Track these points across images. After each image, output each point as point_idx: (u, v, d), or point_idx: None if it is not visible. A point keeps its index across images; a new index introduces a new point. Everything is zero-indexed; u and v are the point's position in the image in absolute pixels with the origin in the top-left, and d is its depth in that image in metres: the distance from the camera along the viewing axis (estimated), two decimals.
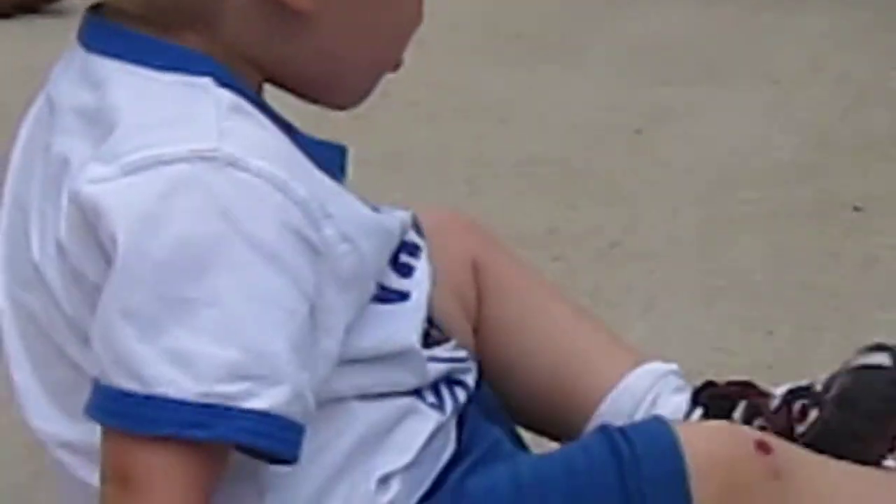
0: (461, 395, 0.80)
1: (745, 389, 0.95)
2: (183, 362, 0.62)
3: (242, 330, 0.64)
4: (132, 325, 0.64)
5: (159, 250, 0.62)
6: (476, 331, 0.96)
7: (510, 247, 1.34)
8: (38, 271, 0.72)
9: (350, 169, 0.76)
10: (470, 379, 0.80)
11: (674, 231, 1.55)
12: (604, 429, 0.80)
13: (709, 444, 0.81)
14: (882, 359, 1.03)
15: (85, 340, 0.69)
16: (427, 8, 0.77)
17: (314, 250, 0.66)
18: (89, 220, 0.64)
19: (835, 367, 1.21)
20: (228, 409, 0.62)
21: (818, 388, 0.96)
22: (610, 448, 0.78)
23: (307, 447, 0.70)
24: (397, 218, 0.77)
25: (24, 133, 0.76)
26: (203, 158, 0.62)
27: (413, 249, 0.78)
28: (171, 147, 0.62)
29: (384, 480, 0.75)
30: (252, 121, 0.67)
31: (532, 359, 0.96)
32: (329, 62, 0.74)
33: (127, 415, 0.63)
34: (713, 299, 1.38)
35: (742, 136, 1.81)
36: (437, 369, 0.78)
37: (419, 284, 0.77)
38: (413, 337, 0.77)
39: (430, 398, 0.78)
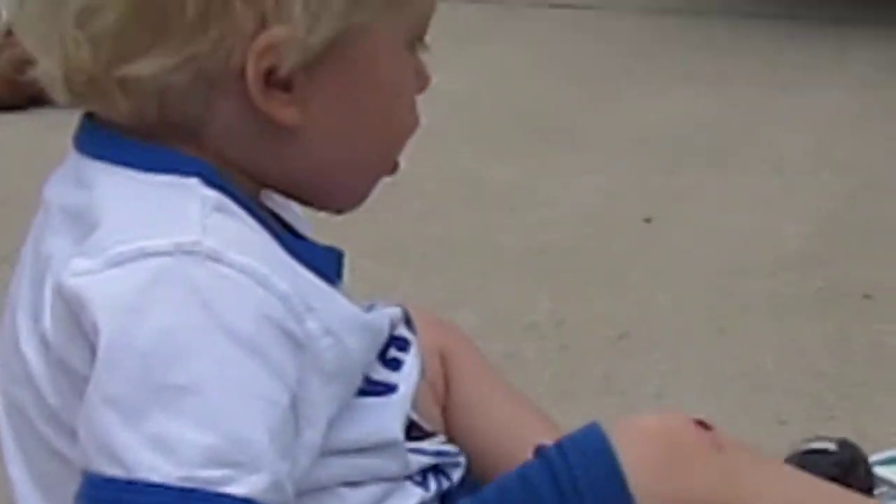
0: (445, 483, 0.80)
1: None
2: (164, 448, 0.63)
3: (223, 418, 0.64)
4: (115, 412, 0.65)
5: (142, 340, 0.63)
6: (444, 414, 0.96)
7: (516, 335, 1.35)
8: (25, 366, 0.72)
9: (357, 261, 0.81)
10: (456, 474, 0.80)
11: (683, 320, 1.53)
12: (540, 448, 0.79)
13: (642, 422, 0.83)
14: (828, 445, 1.12)
15: (71, 433, 0.69)
16: (435, 95, 0.76)
17: (296, 343, 0.66)
18: (73, 312, 0.65)
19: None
20: (208, 493, 0.63)
21: None
22: (547, 467, 0.77)
23: None
24: (387, 315, 0.77)
25: (30, 235, 0.76)
26: (185, 252, 0.62)
27: (403, 344, 0.78)
28: (154, 241, 0.63)
29: None
30: (236, 219, 0.67)
31: (484, 439, 0.95)
32: (321, 173, 0.76)
33: (111, 500, 0.63)
34: (723, 389, 1.36)
35: (750, 223, 1.79)
36: (419, 461, 0.77)
37: (407, 378, 0.78)
38: (397, 429, 0.76)
39: (416, 477, 0.77)
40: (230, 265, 0.64)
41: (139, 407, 0.65)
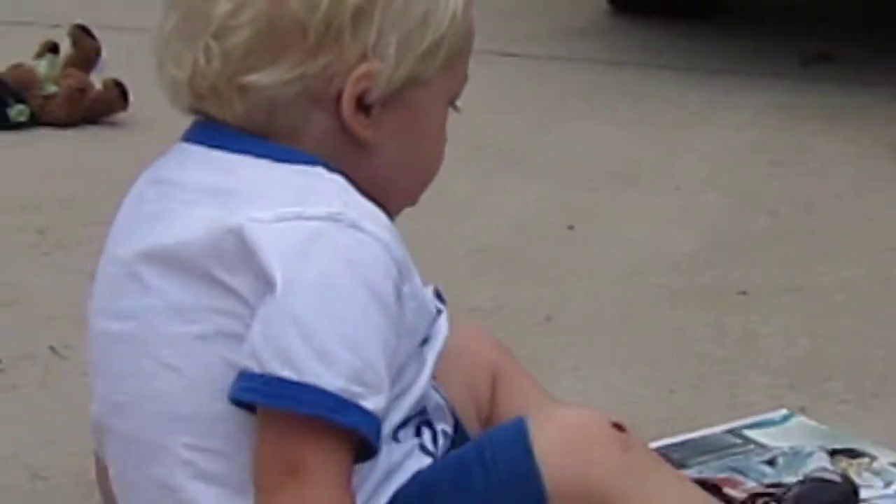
0: (442, 442, 0.92)
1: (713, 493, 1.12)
2: (328, 362, 0.76)
3: (363, 348, 0.77)
4: (295, 328, 0.78)
5: (311, 276, 0.77)
6: (487, 424, 1.06)
7: (474, 321, 1.44)
8: (142, 294, 0.85)
9: None
10: (449, 427, 0.93)
11: (596, 309, 1.70)
12: (477, 439, 0.94)
13: (565, 414, 0.95)
14: (834, 476, 1.23)
15: (198, 337, 0.84)
16: None
17: (399, 300, 0.80)
18: (246, 249, 0.78)
19: (724, 420, 1.32)
20: (353, 404, 0.76)
21: (779, 493, 1.17)
22: (478, 450, 0.89)
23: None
24: (429, 290, 0.91)
25: (126, 207, 0.90)
26: (333, 220, 0.76)
27: (438, 311, 0.91)
28: (309, 209, 0.77)
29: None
30: (361, 197, 0.81)
31: None
32: (376, 184, 0.86)
33: (286, 396, 0.76)
34: (626, 364, 1.53)
35: (651, 232, 1.98)
36: (435, 399, 0.91)
37: (438, 334, 0.89)
38: (431, 368, 0.89)
39: (429, 445, 0.90)
40: (364, 232, 0.78)
41: (313, 326, 0.79)
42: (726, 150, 2.41)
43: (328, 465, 0.80)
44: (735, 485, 1.26)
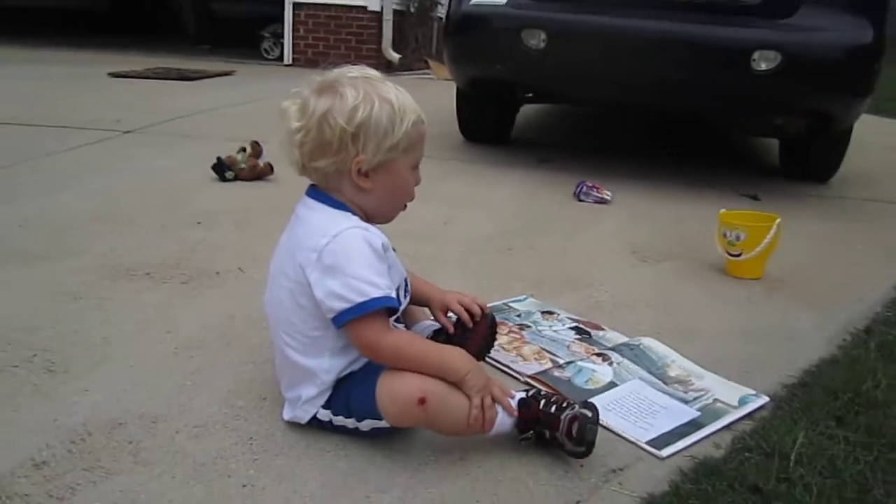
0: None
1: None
2: (373, 285, 1.24)
3: (378, 275, 1.26)
4: (347, 279, 1.24)
5: (352, 253, 1.25)
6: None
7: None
8: (288, 290, 1.32)
9: None
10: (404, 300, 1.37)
11: (455, 253, 2.44)
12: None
13: (400, 386, 1.29)
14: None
15: (309, 307, 1.29)
16: None
17: (384, 258, 1.29)
18: (322, 255, 1.26)
19: (501, 298, 2.09)
20: (389, 297, 1.26)
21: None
22: (345, 397, 1.34)
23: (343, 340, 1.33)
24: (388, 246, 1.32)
25: (284, 233, 1.40)
26: (350, 228, 1.26)
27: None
28: (340, 226, 1.26)
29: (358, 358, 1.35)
30: (363, 222, 1.30)
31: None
32: (375, 211, 1.35)
33: (363, 308, 1.24)
34: (464, 276, 2.24)
35: (478, 224, 2.77)
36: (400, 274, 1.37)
37: (398, 272, 1.36)
38: (403, 274, 1.39)
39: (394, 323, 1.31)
40: (366, 230, 1.28)
41: (358, 270, 1.25)
42: (509, 195, 3.30)
43: (382, 327, 1.27)
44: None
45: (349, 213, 1.31)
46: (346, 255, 1.24)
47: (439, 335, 1.53)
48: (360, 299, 1.22)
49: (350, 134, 1.26)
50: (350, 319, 1.24)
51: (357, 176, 1.29)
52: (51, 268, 2.12)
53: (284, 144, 1.32)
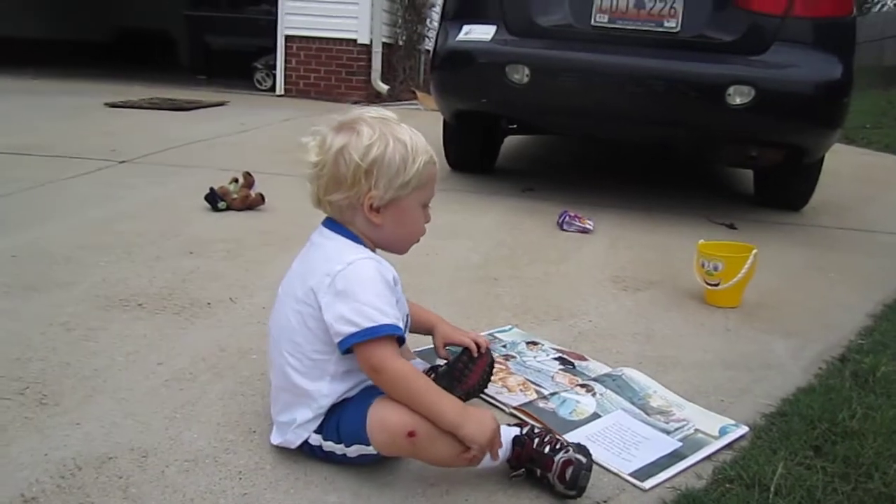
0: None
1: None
2: (382, 313, 1.24)
3: (389, 305, 1.26)
4: (357, 304, 1.24)
5: (359, 277, 1.26)
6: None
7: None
8: (297, 311, 1.31)
9: None
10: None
11: (442, 282, 2.44)
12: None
13: (388, 417, 1.27)
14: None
15: (316, 330, 1.28)
16: None
17: (393, 291, 1.30)
18: (335, 281, 1.26)
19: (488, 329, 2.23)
20: (397, 326, 1.25)
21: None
22: (336, 422, 1.32)
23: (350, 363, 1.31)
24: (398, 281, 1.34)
25: (301, 252, 1.39)
26: (365, 259, 1.29)
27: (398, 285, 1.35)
28: (355, 256, 1.28)
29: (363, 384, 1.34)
30: (373, 254, 1.33)
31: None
32: (387, 244, 1.39)
33: (372, 333, 1.23)
34: (449, 304, 2.23)
35: (465, 253, 2.77)
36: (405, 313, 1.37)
37: (402, 305, 1.38)
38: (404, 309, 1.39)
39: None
40: (379, 262, 1.30)
41: (369, 298, 1.25)
42: (493, 224, 3.30)
43: (390, 354, 1.25)
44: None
45: (362, 246, 1.32)
46: (358, 282, 1.24)
47: (431, 373, 1.52)
48: (369, 324, 1.22)
49: (364, 170, 1.27)
50: (356, 343, 1.24)
51: (369, 211, 1.30)
52: (43, 299, 2.09)
53: (307, 179, 1.35)
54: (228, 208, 3.15)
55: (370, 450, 1.29)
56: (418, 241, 1.42)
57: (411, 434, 1.24)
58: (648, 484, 1.38)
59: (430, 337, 1.60)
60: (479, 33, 3.52)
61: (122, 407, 1.53)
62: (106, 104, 6.35)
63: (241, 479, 1.32)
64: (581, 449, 1.34)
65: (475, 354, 1.53)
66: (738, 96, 3.15)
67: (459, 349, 1.55)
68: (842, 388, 1.78)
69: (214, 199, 3.13)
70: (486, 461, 1.32)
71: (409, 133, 1.33)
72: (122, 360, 1.74)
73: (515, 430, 1.37)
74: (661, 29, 3.30)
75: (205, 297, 2.16)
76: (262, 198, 3.22)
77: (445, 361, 1.55)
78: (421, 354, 1.73)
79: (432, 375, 1.49)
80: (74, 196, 3.30)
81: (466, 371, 1.51)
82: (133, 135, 4.98)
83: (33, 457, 1.34)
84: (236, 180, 3.24)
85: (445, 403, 1.27)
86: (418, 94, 8.44)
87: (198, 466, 1.35)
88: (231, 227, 2.96)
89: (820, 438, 1.55)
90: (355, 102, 1.44)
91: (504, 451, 1.33)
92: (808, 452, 1.49)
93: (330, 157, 1.30)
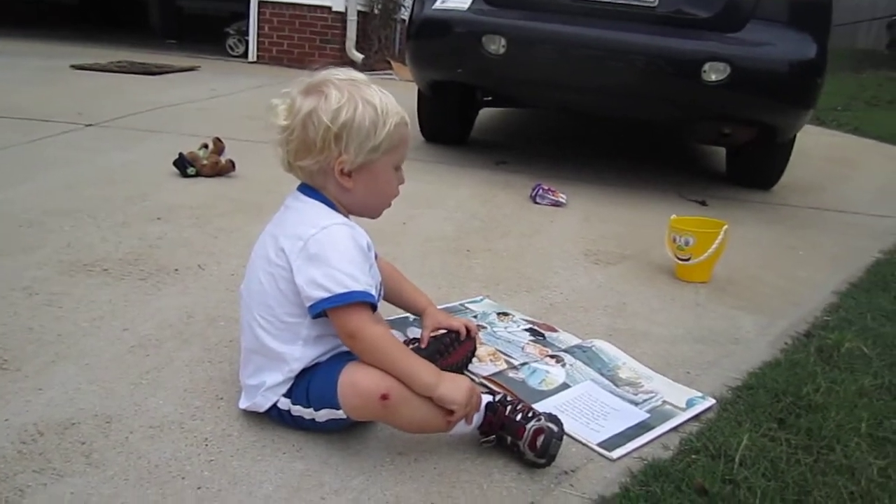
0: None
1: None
2: (352, 277, 1.23)
3: (360, 270, 1.25)
4: (331, 267, 1.22)
5: (338, 246, 1.25)
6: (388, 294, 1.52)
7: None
8: (268, 265, 1.29)
9: None
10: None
11: (415, 253, 2.43)
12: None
13: (359, 380, 1.26)
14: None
15: (288, 292, 1.27)
16: None
17: (367, 257, 1.29)
18: (308, 245, 1.25)
19: (459, 299, 2.18)
20: (366, 292, 1.24)
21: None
22: (305, 387, 1.31)
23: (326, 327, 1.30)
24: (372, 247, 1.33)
25: (276, 215, 1.37)
26: (339, 224, 1.28)
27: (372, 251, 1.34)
28: (328, 221, 1.27)
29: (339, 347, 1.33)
30: (347, 220, 1.31)
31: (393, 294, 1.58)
32: (360, 207, 1.36)
33: (341, 301, 1.22)
34: (423, 275, 2.21)
35: (441, 225, 2.77)
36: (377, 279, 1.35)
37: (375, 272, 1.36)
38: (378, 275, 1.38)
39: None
40: (353, 228, 1.29)
41: (340, 264, 1.23)
42: (467, 196, 3.29)
43: (366, 321, 1.25)
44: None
45: (335, 211, 1.31)
46: (332, 246, 1.23)
47: (409, 345, 1.51)
48: (340, 290, 1.21)
49: (333, 134, 1.25)
50: (330, 308, 1.22)
51: (340, 175, 1.29)
52: (6, 263, 2.05)
53: (277, 143, 1.33)
54: (197, 174, 3.11)
55: (340, 414, 1.28)
56: (390, 205, 1.40)
57: (384, 397, 1.23)
58: (616, 454, 1.39)
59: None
60: (456, 2, 3.50)
61: (86, 373, 1.51)
62: (73, 66, 6.20)
63: (207, 445, 1.31)
64: (552, 418, 1.34)
65: (462, 338, 1.55)
66: (714, 73, 3.15)
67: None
68: (806, 363, 1.81)
69: (183, 165, 3.09)
70: (459, 427, 1.32)
71: (378, 94, 1.31)
72: (86, 326, 1.71)
73: (489, 398, 1.37)
74: (638, 3, 3.30)
75: (172, 263, 2.13)
76: (232, 164, 3.19)
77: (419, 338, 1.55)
78: (393, 324, 1.72)
79: (412, 347, 1.49)
80: (40, 159, 3.25)
81: (451, 349, 1.52)
82: (100, 98, 4.87)
83: None
84: (206, 146, 3.21)
85: (421, 366, 1.27)
86: (393, 63, 8.34)
87: (163, 433, 1.34)
88: (200, 193, 2.92)
89: (784, 411, 1.57)
90: (324, 65, 1.42)
91: (476, 417, 1.33)
92: (772, 425, 1.52)
93: (298, 121, 1.28)
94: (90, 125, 3.99)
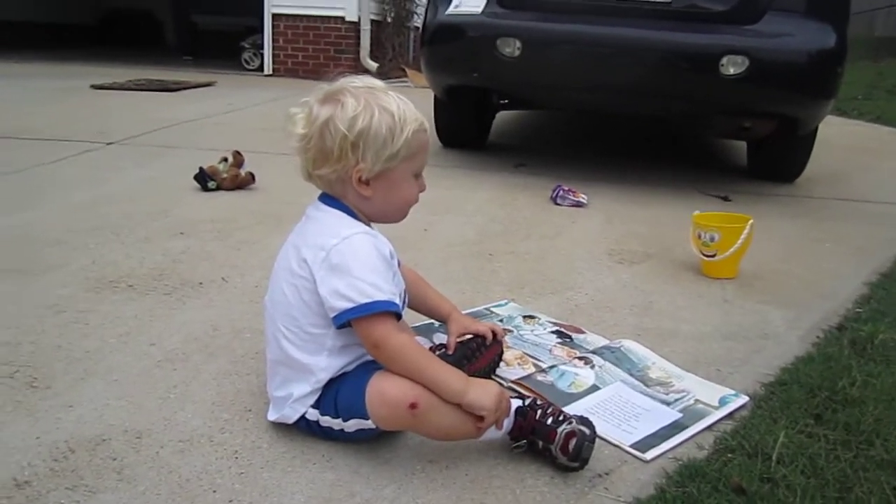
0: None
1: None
2: (377, 288, 1.22)
3: (385, 281, 1.24)
4: (352, 279, 1.21)
5: (360, 256, 1.23)
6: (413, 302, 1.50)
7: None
8: (292, 277, 1.27)
9: None
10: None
11: (437, 258, 2.41)
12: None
13: (388, 388, 1.25)
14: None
15: (311, 303, 1.25)
16: None
17: (390, 266, 1.28)
18: (330, 255, 1.24)
19: (484, 304, 2.08)
20: (393, 302, 1.23)
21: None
22: (333, 397, 1.29)
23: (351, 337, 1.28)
24: (394, 254, 1.30)
25: (296, 226, 1.36)
26: (360, 233, 1.26)
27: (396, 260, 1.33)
28: (350, 231, 1.26)
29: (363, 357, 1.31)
30: (369, 228, 1.30)
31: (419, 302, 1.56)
32: (379, 215, 1.34)
33: (367, 309, 1.21)
34: (446, 280, 2.19)
35: (461, 230, 2.73)
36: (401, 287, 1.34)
37: (399, 281, 1.35)
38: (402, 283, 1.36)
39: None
40: (375, 237, 1.28)
41: (365, 273, 1.22)
42: (487, 200, 3.28)
43: (390, 331, 1.23)
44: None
45: (357, 220, 1.30)
46: (353, 256, 1.22)
47: (436, 351, 1.50)
48: (364, 300, 1.20)
49: (350, 142, 1.24)
50: (354, 318, 1.21)
51: (357, 184, 1.27)
52: (32, 282, 2.06)
53: (296, 151, 1.32)
54: (218, 188, 3.13)
55: (369, 424, 1.27)
56: (405, 215, 1.38)
57: (413, 406, 1.22)
58: (650, 455, 1.37)
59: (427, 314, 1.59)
60: (470, 6, 3.48)
61: (115, 388, 1.51)
62: (92, 86, 6.28)
63: (237, 458, 1.30)
64: (584, 420, 1.32)
65: (489, 342, 1.53)
66: (732, 66, 3.12)
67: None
68: (840, 357, 1.77)
69: (204, 179, 3.10)
70: (489, 433, 1.30)
71: (396, 101, 1.29)
72: (113, 342, 1.72)
73: (518, 402, 1.36)
74: None
75: (196, 277, 2.14)
76: (252, 177, 3.20)
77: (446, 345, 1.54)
78: (419, 331, 1.71)
79: (438, 353, 1.47)
80: (62, 179, 3.26)
81: (478, 353, 1.50)
82: (120, 116, 4.92)
83: (25, 440, 1.32)
84: (225, 159, 3.22)
85: (449, 373, 1.26)
86: (408, 71, 8.36)
87: (193, 447, 1.33)
88: (221, 206, 2.93)
89: (820, 406, 1.54)
90: (341, 74, 1.42)
91: (507, 422, 1.32)
92: (808, 421, 1.48)
93: (315, 130, 1.27)
94: (111, 143, 4.02)
